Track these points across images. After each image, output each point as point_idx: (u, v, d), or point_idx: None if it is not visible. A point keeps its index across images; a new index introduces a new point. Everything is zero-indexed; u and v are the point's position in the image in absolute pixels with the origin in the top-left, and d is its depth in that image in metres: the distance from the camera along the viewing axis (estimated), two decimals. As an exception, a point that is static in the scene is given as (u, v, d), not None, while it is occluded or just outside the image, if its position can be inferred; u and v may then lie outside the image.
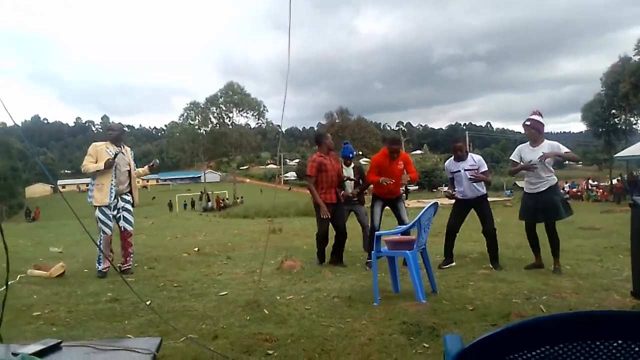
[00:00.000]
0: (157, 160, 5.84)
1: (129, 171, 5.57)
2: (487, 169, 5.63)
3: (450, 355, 1.24)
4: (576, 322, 0.94)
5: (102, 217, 5.34)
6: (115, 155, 5.35)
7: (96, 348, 1.76)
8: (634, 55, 35.33)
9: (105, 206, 5.34)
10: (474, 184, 5.46)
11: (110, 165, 5.29)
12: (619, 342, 0.91)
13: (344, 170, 6.17)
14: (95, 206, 5.34)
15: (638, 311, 0.99)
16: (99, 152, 5.36)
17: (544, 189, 5.02)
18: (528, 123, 5.13)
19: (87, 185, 5.63)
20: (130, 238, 5.56)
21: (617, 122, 39.33)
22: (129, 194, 5.58)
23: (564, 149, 5.04)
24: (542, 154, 4.95)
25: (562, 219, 5.04)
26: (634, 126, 40.09)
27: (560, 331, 0.94)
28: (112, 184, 5.36)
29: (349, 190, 6.23)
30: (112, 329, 3.36)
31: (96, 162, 5.31)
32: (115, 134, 5.57)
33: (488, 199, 5.77)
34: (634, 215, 2.29)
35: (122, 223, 5.52)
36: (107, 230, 5.35)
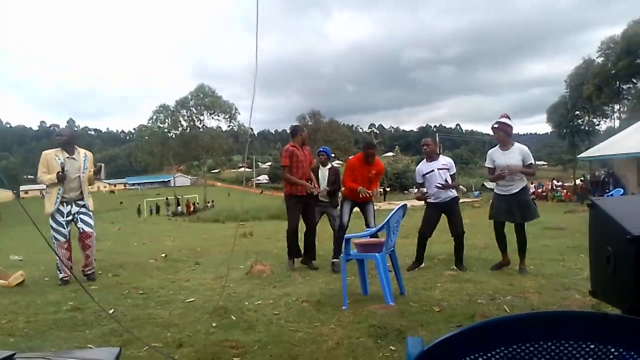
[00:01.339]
0: (102, 164, 5.59)
1: (79, 177, 5.38)
2: (454, 171, 5.71)
3: (410, 358, 1.24)
4: (527, 323, 0.94)
5: (54, 225, 5.24)
6: (62, 168, 5.21)
7: (51, 359, 1.69)
8: (597, 57, 36.67)
9: (58, 213, 5.23)
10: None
11: (62, 178, 5.19)
12: (571, 342, 0.92)
13: (319, 170, 6.16)
14: (50, 214, 5.24)
15: (588, 311, 1.01)
16: (49, 161, 5.26)
17: (516, 190, 5.13)
18: (496, 126, 5.22)
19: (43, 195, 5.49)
20: (88, 240, 5.39)
21: (581, 123, 40.59)
22: (82, 200, 5.41)
23: (531, 159, 5.13)
24: (514, 159, 5.10)
25: (535, 218, 5.19)
26: (597, 127, 41.48)
27: (513, 332, 0.94)
28: (58, 192, 5.24)
29: (324, 187, 6.21)
30: (72, 339, 3.24)
31: (48, 172, 5.22)
32: (63, 139, 5.41)
33: (459, 201, 5.83)
34: (592, 215, 2.35)
35: (79, 225, 5.37)
36: (59, 237, 5.23)
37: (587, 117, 40.18)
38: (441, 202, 5.53)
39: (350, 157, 6.13)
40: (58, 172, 5.16)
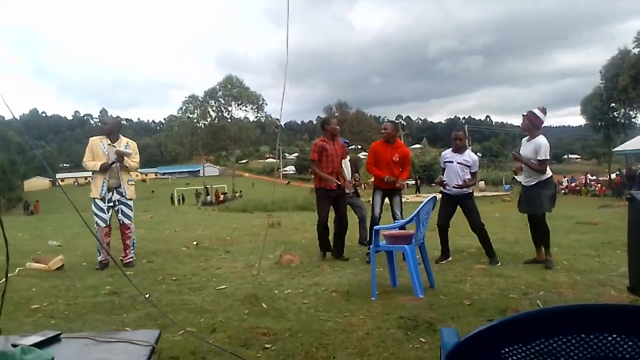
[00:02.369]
0: (119, 150, 5.51)
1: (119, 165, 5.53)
2: (476, 169, 5.68)
3: (446, 349, 1.25)
4: (571, 315, 0.95)
5: (95, 210, 5.43)
6: (112, 163, 5.41)
7: (95, 340, 1.77)
8: (633, 48, 35.22)
9: (100, 199, 5.40)
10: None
11: (105, 169, 5.38)
12: (614, 336, 0.92)
13: (342, 162, 6.16)
14: (91, 198, 5.42)
15: (633, 305, 1.00)
16: (94, 147, 5.47)
17: (533, 183, 5.11)
18: (525, 113, 5.22)
19: (86, 179, 5.66)
20: (128, 231, 5.57)
21: (616, 115, 39.25)
22: (121, 187, 5.55)
23: (541, 155, 5.00)
24: (529, 150, 5.11)
25: (542, 212, 5.08)
26: (633, 120, 40.02)
27: (555, 324, 0.95)
28: (104, 179, 5.42)
29: (348, 177, 6.22)
30: (110, 322, 3.37)
31: (93, 158, 5.42)
32: (107, 127, 5.61)
33: (473, 195, 5.78)
34: (632, 209, 2.30)
35: (120, 217, 5.54)
36: (100, 222, 5.41)
37: (622, 110, 38.80)
38: (455, 194, 5.55)
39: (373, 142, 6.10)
40: (103, 163, 5.36)
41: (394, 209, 5.77)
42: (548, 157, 5.07)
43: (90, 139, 5.58)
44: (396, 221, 5.35)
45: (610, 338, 0.92)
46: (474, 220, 5.49)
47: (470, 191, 5.70)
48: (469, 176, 5.54)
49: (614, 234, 7.23)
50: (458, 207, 5.61)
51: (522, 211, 5.37)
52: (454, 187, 5.48)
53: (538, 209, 5.10)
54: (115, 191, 5.49)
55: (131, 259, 5.61)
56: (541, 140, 5.07)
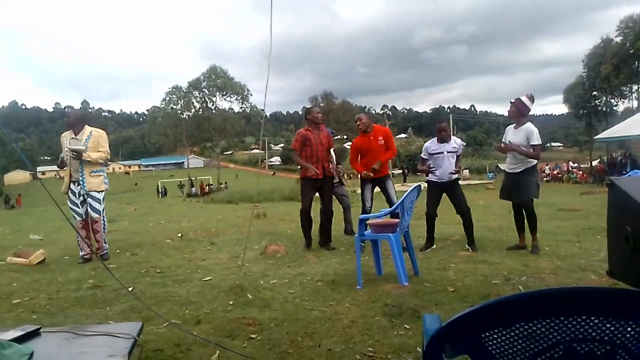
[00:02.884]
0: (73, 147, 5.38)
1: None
2: (460, 153, 5.73)
3: (428, 334, 1.26)
4: (549, 298, 0.95)
5: (69, 204, 5.42)
6: (62, 159, 5.45)
7: (76, 333, 1.75)
8: (615, 37, 35.67)
9: (71, 193, 5.41)
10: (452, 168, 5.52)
11: (60, 166, 5.48)
12: (592, 318, 0.93)
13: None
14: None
15: (610, 287, 1.01)
16: (62, 143, 5.49)
17: (519, 170, 5.14)
18: (512, 100, 5.23)
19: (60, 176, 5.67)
20: (95, 225, 5.44)
21: (598, 103, 39.72)
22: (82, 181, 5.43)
23: (534, 140, 5.04)
24: (520, 138, 5.10)
25: (530, 198, 5.14)
26: (615, 108, 40.60)
27: (534, 308, 0.96)
28: (69, 173, 5.44)
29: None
30: (93, 316, 3.33)
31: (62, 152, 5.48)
32: (68, 121, 5.53)
33: (459, 181, 5.82)
34: (611, 195, 2.33)
35: (88, 209, 5.45)
36: (76, 216, 5.40)
37: (604, 98, 39.27)
38: (442, 182, 5.56)
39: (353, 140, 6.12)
40: (59, 161, 5.46)
41: (390, 195, 5.75)
42: (540, 142, 5.12)
43: (63, 134, 5.57)
44: (381, 210, 5.37)
45: (589, 320, 0.93)
46: (461, 205, 5.53)
47: (458, 178, 5.74)
48: (456, 161, 5.60)
49: (595, 220, 7.36)
50: (443, 195, 5.65)
51: (505, 198, 5.41)
52: (451, 173, 5.50)
53: (527, 196, 5.13)
54: (77, 184, 5.43)
55: (104, 252, 5.52)
56: (531, 126, 5.10)
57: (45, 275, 4.71)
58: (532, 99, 5.24)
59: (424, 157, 5.82)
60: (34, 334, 1.71)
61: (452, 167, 5.53)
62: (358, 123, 5.80)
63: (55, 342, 1.68)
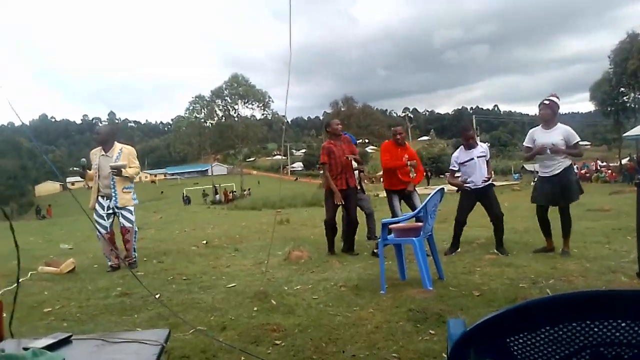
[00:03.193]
0: (118, 165, 5.53)
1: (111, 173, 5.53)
2: (489, 157, 5.66)
3: (452, 339, 1.25)
4: (575, 302, 0.94)
5: (95, 217, 5.50)
6: (83, 167, 5.56)
7: (106, 340, 1.78)
8: (641, 31, 34.74)
9: (99, 206, 5.52)
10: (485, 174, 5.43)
11: (81, 176, 5.63)
12: (618, 321, 0.91)
13: None
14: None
15: (637, 289, 0.98)
16: (92, 159, 5.60)
17: (558, 171, 4.94)
18: (547, 102, 5.03)
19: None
20: (127, 234, 5.57)
21: (626, 100, 38.65)
22: (114, 197, 5.54)
23: (576, 138, 4.93)
24: (555, 138, 4.91)
25: (575, 201, 5.03)
26: (643, 104, 39.51)
27: (560, 312, 0.94)
28: (97, 190, 5.55)
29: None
30: (122, 323, 3.40)
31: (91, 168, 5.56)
32: (99, 138, 5.64)
33: (494, 185, 5.74)
34: (640, 195, 2.27)
35: (121, 220, 5.58)
36: (100, 229, 5.44)
37: (632, 94, 38.19)
38: (477, 188, 5.46)
39: (383, 142, 6.13)
40: (87, 173, 5.57)
41: (415, 204, 5.72)
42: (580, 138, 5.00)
43: (91, 152, 5.71)
44: (404, 214, 5.34)
45: (615, 324, 0.91)
46: (495, 210, 5.42)
47: (492, 182, 5.64)
48: (487, 167, 5.52)
49: (625, 220, 7.16)
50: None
51: (550, 203, 5.14)
52: (484, 180, 5.41)
53: (573, 198, 4.99)
54: (105, 198, 5.55)
55: (132, 260, 5.64)
56: (566, 126, 4.99)
57: (75, 283, 4.83)
58: (558, 97, 5.14)
59: (453, 168, 5.71)
60: (65, 341, 1.75)
61: (485, 173, 5.43)
62: (398, 137, 5.79)
63: (85, 350, 1.72)
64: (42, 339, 1.72)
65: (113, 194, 5.47)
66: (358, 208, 6.31)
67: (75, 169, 5.79)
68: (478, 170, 5.45)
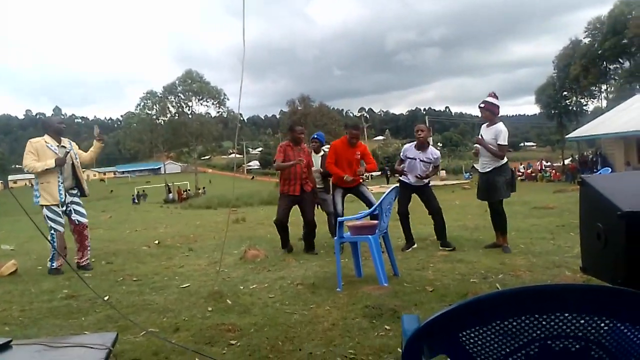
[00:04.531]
0: (97, 127, 5.48)
1: (72, 164, 5.28)
2: (439, 164, 5.91)
3: (407, 335, 1.26)
4: (523, 296, 0.96)
5: (52, 215, 5.07)
6: (67, 153, 5.14)
7: (48, 345, 1.69)
8: (584, 38, 36.66)
9: (54, 205, 5.10)
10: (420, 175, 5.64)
11: (62, 162, 5.06)
12: (565, 315, 0.94)
13: (312, 157, 6.13)
14: (43, 205, 5.07)
15: (583, 284, 1.03)
16: (39, 149, 5.05)
17: (487, 170, 5.24)
18: (482, 105, 5.31)
19: (33, 184, 5.29)
20: (85, 230, 5.37)
21: (569, 103, 40.72)
22: (75, 188, 5.34)
23: (501, 140, 5.12)
24: (489, 136, 5.21)
25: (499, 199, 5.24)
26: (584, 107, 41.71)
27: (509, 306, 0.96)
28: (59, 182, 5.10)
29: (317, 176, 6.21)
30: (68, 327, 3.25)
31: (38, 159, 5.02)
32: (61, 127, 5.31)
33: (437, 183, 5.92)
34: (583, 192, 2.38)
35: (74, 216, 5.29)
36: (58, 227, 5.11)
37: (574, 98, 40.29)
38: (412, 184, 5.71)
39: (334, 141, 6.14)
40: (58, 157, 5.04)
41: (368, 199, 5.78)
42: (507, 143, 5.20)
43: (31, 141, 5.12)
44: (360, 212, 5.39)
45: (562, 317, 0.94)
46: (432, 204, 5.65)
47: (428, 182, 5.82)
48: (429, 170, 5.69)
49: (568, 217, 7.52)
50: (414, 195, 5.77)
51: (480, 198, 5.51)
52: (416, 176, 5.61)
53: (495, 196, 5.23)
54: (68, 193, 5.23)
55: (88, 261, 5.38)
56: (501, 126, 5.19)
57: (17, 286, 4.57)
58: (496, 96, 5.35)
59: (402, 157, 5.90)
60: (5, 347, 1.65)
61: (419, 173, 5.63)
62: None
63: (26, 355, 1.63)
64: (-22, 346, 1.61)
65: (76, 186, 5.27)
66: (320, 208, 6.31)
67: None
68: (415, 170, 5.66)
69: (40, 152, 5.05)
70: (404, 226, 5.73)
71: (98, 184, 74.61)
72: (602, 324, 0.94)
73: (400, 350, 2.43)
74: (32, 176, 5.24)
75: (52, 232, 5.06)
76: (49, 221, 5.07)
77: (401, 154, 5.98)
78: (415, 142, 5.81)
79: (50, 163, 4.99)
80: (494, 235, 5.51)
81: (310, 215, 5.80)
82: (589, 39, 36.22)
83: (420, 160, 5.65)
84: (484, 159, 5.28)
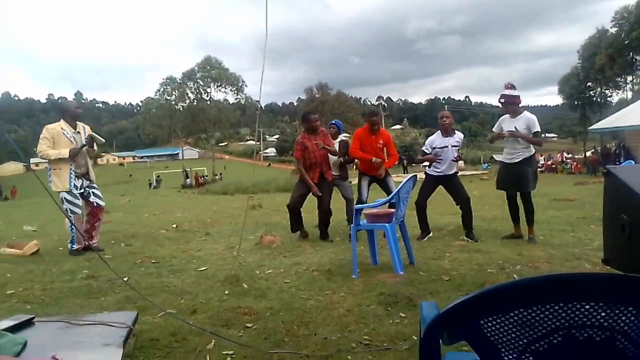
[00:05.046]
0: (93, 135, 5.37)
1: (85, 151, 5.34)
2: (460, 146, 5.76)
3: (426, 322, 1.25)
4: (548, 285, 0.95)
5: (70, 198, 5.14)
6: (83, 145, 5.21)
7: (70, 323, 1.73)
8: (610, 27, 35.63)
9: (75, 188, 5.18)
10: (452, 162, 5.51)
11: (75, 153, 5.13)
12: (591, 304, 0.92)
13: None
14: (57, 192, 5.14)
15: (609, 273, 1.00)
16: (55, 136, 5.11)
17: (517, 160, 5.12)
18: (502, 100, 5.19)
19: (46, 169, 5.31)
20: (101, 214, 5.47)
21: (593, 94, 39.75)
22: (88, 174, 5.38)
23: (536, 128, 5.06)
24: (519, 126, 5.06)
25: (528, 190, 5.15)
26: (609, 99, 40.68)
27: (533, 294, 0.95)
28: (71, 168, 5.16)
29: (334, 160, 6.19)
30: (88, 306, 3.31)
31: (53, 146, 5.08)
32: (79, 112, 5.37)
33: (457, 172, 5.81)
34: (607, 183, 2.32)
35: (92, 199, 5.37)
36: (76, 210, 5.18)
37: (599, 89, 39.29)
38: (442, 175, 5.57)
39: (357, 129, 6.10)
40: (72, 149, 5.10)
41: (390, 188, 5.73)
42: (540, 130, 5.12)
43: (48, 127, 5.19)
44: (377, 199, 5.36)
45: (588, 307, 0.92)
46: (461, 195, 5.53)
47: (457, 171, 5.74)
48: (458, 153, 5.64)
49: (589, 210, 7.39)
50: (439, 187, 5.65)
51: (505, 189, 5.35)
52: (452, 160, 5.50)
53: (525, 188, 5.13)
54: (83, 178, 5.31)
55: (97, 243, 5.45)
56: (530, 114, 5.12)
57: (39, 266, 4.68)
58: (513, 87, 5.20)
59: (426, 151, 5.76)
60: (28, 323, 1.69)
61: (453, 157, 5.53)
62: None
63: (49, 332, 1.66)
64: (3, 321, 1.65)
65: (88, 172, 5.32)
66: (340, 193, 6.29)
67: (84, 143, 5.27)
68: (449, 158, 5.52)
69: (55, 139, 5.11)
70: (420, 217, 5.68)
71: (117, 168, 75.78)
72: (628, 314, 0.92)
73: (416, 338, 2.43)
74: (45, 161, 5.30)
75: (70, 214, 5.13)
76: (66, 203, 5.13)
77: (426, 147, 5.79)
78: (438, 132, 5.73)
79: (65, 153, 5.06)
80: (511, 226, 5.44)
81: (327, 204, 5.80)
82: (616, 29, 35.15)
83: (452, 146, 5.54)
84: (514, 150, 5.13)
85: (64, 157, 5.06)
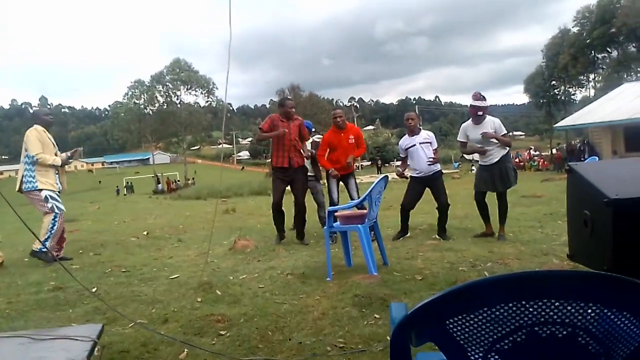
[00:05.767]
0: (80, 149, 5.60)
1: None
2: (436, 145, 5.75)
3: (394, 323, 1.26)
4: (510, 283, 0.96)
5: (55, 196, 5.12)
6: (69, 158, 5.32)
7: (32, 338, 1.67)
8: (573, 27, 36.81)
9: (56, 191, 5.18)
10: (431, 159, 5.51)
11: (67, 163, 5.29)
12: (552, 301, 0.94)
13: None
14: (44, 190, 5.06)
15: (570, 270, 1.03)
16: (43, 140, 5.09)
17: (496, 159, 5.22)
18: (473, 112, 5.28)
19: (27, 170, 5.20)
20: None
21: (557, 93, 40.98)
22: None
23: (503, 130, 5.26)
24: (483, 131, 5.19)
25: (511, 187, 5.30)
26: (573, 97, 41.99)
27: (496, 293, 0.96)
28: (56, 172, 5.20)
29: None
30: (55, 319, 3.21)
31: (43, 150, 5.08)
32: (52, 119, 5.40)
33: (442, 172, 5.87)
34: (570, 180, 2.39)
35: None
36: (62, 207, 5.16)
37: (563, 87, 40.55)
38: (425, 176, 5.57)
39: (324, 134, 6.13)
40: (63, 158, 5.24)
41: (350, 192, 5.81)
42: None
43: (37, 128, 5.11)
44: (350, 202, 5.38)
45: (549, 303, 0.94)
46: (441, 200, 5.58)
47: (440, 169, 5.74)
48: (431, 152, 5.59)
49: (556, 206, 7.60)
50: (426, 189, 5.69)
51: (487, 190, 5.39)
52: (428, 161, 5.46)
53: (508, 184, 5.27)
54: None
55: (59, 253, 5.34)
56: (494, 119, 5.30)
57: (3, 278, 4.52)
58: (482, 97, 5.28)
59: (402, 155, 5.84)
60: (-12, 340, 1.63)
61: (427, 158, 5.50)
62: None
63: (10, 348, 1.61)
64: (-40, 339, 1.59)
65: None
66: (311, 198, 6.28)
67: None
68: (420, 156, 5.53)
69: (44, 142, 5.12)
70: (403, 218, 5.70)
71: (86, 175, 73.96)
72: (589, 310, 0.94)
73: (389, 339, 2.44)
74: (18, 166, 5.20)
75: (57, 211, 5.08)
76: (52, 201, 5.08)
77: (399, 150, 5.89)
78: (407, 132, 5.79)
79: (58, 161, 5.16)
80: (482, 224, 5.54)
81: (302, 197, 5.75)
82: (578, 28, 36.36)
83: (420, 143, 5.57)
84: (489, 152, 5.24)
85: (57, 164, 5.17)
